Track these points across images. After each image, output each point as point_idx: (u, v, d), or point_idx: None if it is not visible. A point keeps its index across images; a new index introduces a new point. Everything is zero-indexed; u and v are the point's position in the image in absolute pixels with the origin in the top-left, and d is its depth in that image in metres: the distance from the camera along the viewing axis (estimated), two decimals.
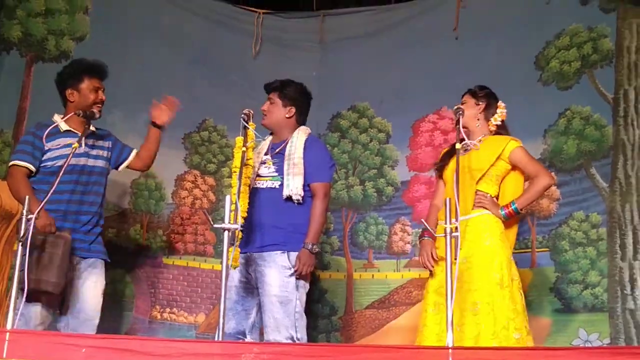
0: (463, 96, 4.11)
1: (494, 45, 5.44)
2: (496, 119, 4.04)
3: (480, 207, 3.85)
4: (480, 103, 4.04)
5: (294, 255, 3.87)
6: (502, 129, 4.07)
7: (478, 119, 4.03)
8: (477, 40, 5.51)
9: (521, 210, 3.89)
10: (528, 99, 5.19)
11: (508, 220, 3.90)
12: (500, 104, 4.07)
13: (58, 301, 3.89)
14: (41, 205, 3.34)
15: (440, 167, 4.10)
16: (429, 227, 3.48)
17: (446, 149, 4.20)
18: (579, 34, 5.20)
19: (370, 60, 5.74)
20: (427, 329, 3.82)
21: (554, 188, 4.74)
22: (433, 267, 3.92)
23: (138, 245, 5.54)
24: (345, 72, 5.77)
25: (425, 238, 4.00)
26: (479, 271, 3.73)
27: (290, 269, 3.85)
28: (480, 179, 3.89)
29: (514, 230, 4.03)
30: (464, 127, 3.92)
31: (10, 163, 3.97)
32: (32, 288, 3.49)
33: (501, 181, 3.97)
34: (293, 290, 3.84)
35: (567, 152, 5.08)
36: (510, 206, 3.84)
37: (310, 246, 3.87)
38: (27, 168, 3.92)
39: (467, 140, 3.92)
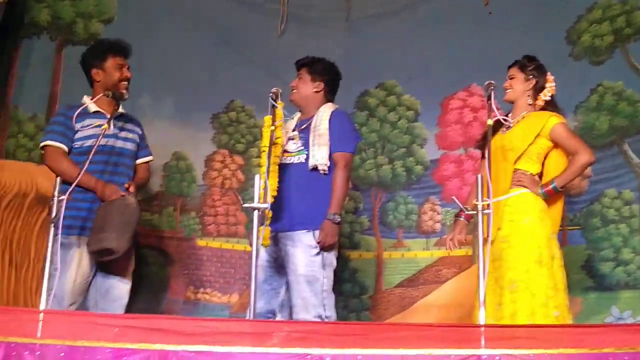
0: (509, 68, 3.98)
1: (525, 20, 5.36)
2: (546, 94, 3.93)
3: (520, 185, 3.79)
4: (531, 78, 3.91)
5: (319, 233, 3.88)
6: (549, 105, 3.95)
7: (528, 95, 3.92)
8: (507, 15, 5.42)
9: (561, 188, 3.80)
10: (559, 74, 5.03)
11: (549, 199, 3.82)
12: (549, 77, 3.94)
13: (124, 267, 3.94)
14: (75, 181, 3.44)
15: (482, 146, 4.01)
16: (461, 206, 3.43)
17: (485, 130, 4.09)
18: (611, 7, 5.12)
19: (398, 36, 5.66)
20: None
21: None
22: (451, 248, 3.93)
23: (172, 228, 5.58)
24: (372, 49, 5.69)
25: (460, 218, 3.99)
26: (517, 250, 3.69)
27: (316, 247, 3.86)
28: (519, 157, 3.81)
29: (558, 208, 3.91)
30: (510, 102, 3.86)
31: (43, 144, 3.97)
32: (93, 249, 3.69)
33: (544, 159, 3.87)
34: (320, 269, 3.85)
35: (598, 129, 5.01)
36: (550, 185, 3.77)
37: (332, 216, 3.87)
38: (61, 148, 3.94)
39: (508, 119, 3.86)
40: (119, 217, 3.77)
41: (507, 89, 3.94)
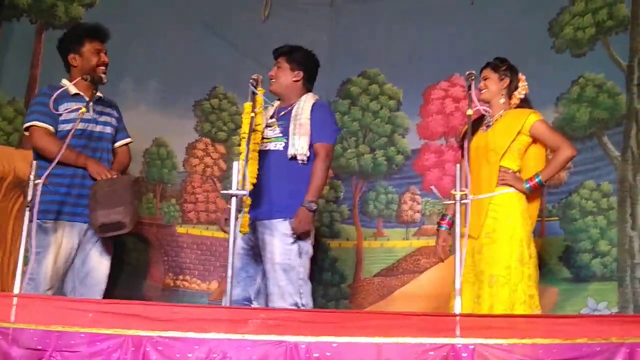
0: (483, 70, 4.03)
1: (508, 12, 5.36)
2: (520, 92, 4.01)
3: (504, 184, 3.85)
4: (504, 78, 3.99)
5: None
6: (524, 102, 4.03)
7: (502, 95, 4.00)
8: (490, 6, 5.42)
9: (545, 182, 3.90)
10: (541, 66, 5.11)
11: (532, 194, 3.91)
12: (522, 76, 4.04)
13: (103, 252, 3.95)
14: (52, 164, 3.40)
15: (462, 146, 4.02)
16: (438, 195, 3.43)
17: (465, 127, 4.15)
18: (594, 0, 5.12)
19: (382, 25, 5.65)
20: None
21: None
22: (443, 259, 4.00)
23: (151, 215, 5.56)
24: (355, 37, 5.67)
25: (442, 228, 4.05)
26: (499, 246, 3.77)
27: (292, 236, 3.86)
28: (502, 155, 3.87)
29: (536, 204, 4.02)
30: (485, 102, 3.92)
31: (29, 124, 3.92)
32: (103, 223, 3.69)
33: (523, 155, 3.94)
34: (296, 258, 3.85)
35: (579, 120, 5.03)
36: (535, 179, 3.84)
37: (308, 204, 3.86)
38: (48, 129, 3.90)
39: (488, 109, 3.92)
40: (127, 193, 3.81)
41: (482, 90, 3.98)
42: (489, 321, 2.88)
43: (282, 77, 4.12)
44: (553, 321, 2.88)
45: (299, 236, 3.87)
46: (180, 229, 5.57)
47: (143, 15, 5.68)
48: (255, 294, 3.98)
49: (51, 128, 3.91)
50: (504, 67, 4.01)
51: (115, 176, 3.91)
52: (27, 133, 4.00)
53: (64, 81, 4.04)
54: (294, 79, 4.11)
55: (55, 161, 3.43)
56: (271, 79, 4.14)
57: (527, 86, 4.03)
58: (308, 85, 4.17)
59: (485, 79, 3.99)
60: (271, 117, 4.10)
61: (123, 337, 2.75)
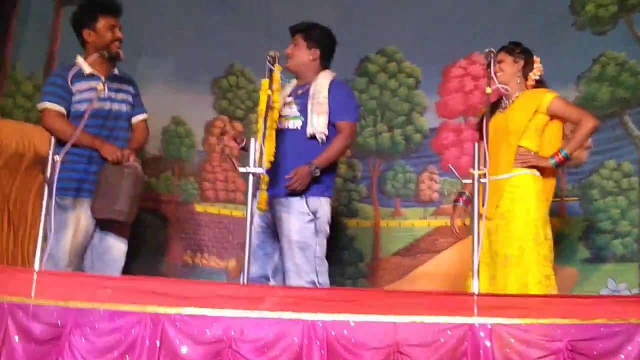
0: (498, 54, 3.96)
1: None
2: (535, 74, 4.02)
3: (526, 165, 3.85)
4: (519, 60, 4.00)
5: (312, 199, 3.86)
6: (539, 84, 4.04)
7: (518, 77, 4.00)
8: None
9: (571, 155, 3.90)
10: (562, 44, 5.06)
11: (557, 169, 3.94)
12: (536, 58, 4.04)
13: (121, 230, 3.96)
14: (69, 142, 3.40)
15: (480, 128, 4.01)
16: (457, 175, 3.41)
17: (483, 111, 4.14)
18: None
19: (400, 1, 5.57)
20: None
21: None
22: (457, 235, 4.03)
23: (169, 192, 5.58)
24: (372, 14, 5.58)
25: (458, 204, 4.07)
26: (514, 226, 3.77)
27: (308, 214, 3.84)
28: (521, 135, 3.87)
29: (552, 185, 4.00)
30: (502, 86, 3.92)
31: (42, 106, 3.93)
32: (104, 217, 3.77)
33: (541, 134, 3.94)
34: (312, 236, 3.84)
35: (600, 99, 4.99)
36: (560, 153, 3.85)
37: (312, 166, 3.84)
38: (59, 111, 3.90)
39: (507, 87, 3.94)
40: (130, 187, 3.81)
41: (498, 73, 3.94)
42: (507, 301, 2.87)
43: (298, 55, 4.08)
44: (571, 301, 2.87)
45: (291, 191, 3.83)
46: (199, 207, 5.59)
47: None
48: (272, 271, 3.98)
49: (63, 109, 3.90)
50: (518, 49, 4.02)
51: (127, 158, 3.89)
52: (41, 113, 3.99)
53: (79, 59, 3.99)
54: (311, 57, 4.07)
55: (70, 143, 3.42)
56: (288, 57, 4.09)
57: (541, 68, 4.03)
58: (325, 63, 4.12)
59: (500, 62, 3.97)
60: (289, 96, 4.06)
61: (141, 314, 2.77)
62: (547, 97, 3.87)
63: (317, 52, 4.08)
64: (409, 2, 5.57)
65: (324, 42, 4.10)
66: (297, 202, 3.85)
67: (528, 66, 4.01)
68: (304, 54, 4.07)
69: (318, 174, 3.86)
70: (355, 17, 5.58)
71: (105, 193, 3.77)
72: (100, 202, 3.76)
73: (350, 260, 5.46)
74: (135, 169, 3.87)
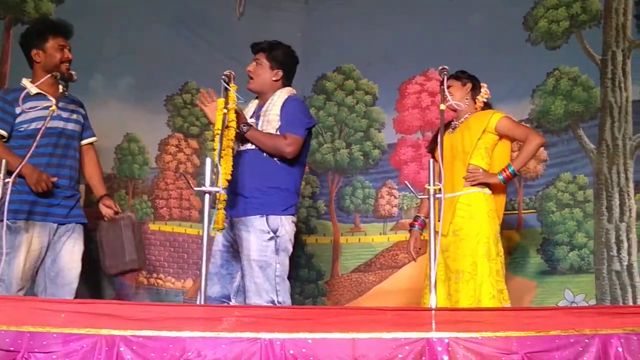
0: (447, 80, 4.05)
1: (484, 6, 5.36)
2: (483, 97, 4.16)
3: (474, 182, 3.94)
4: (467, 83, 4.14)
5: (272, 218, 3.82)
6: (487, 107, 4.19)
7: (466, 99, 4.12)
8: (466, 1, 5.42)
9: (518, 171, 4.00)
10: (516, 58, 5.16)
11: (506, 185, 4.02)
12: (483, 84, 4.18)
13: (74, 251, 3.96)
14: (23, 162, 3.35)
15: (432, 149, 4.18)
16: (413, 191, 3.42)
17: (436, 131, 4.22)
18: None
19: (356, 20, 5.63)
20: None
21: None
22: (415, 259, 4.12)
23: (123, 212, 5.49)
24: (330, 33, 5.67)
25: (414, 228, 4.15)
26: (465, 243, 3.86)
27: (269, 232, 3.81)
28: (471, 154, 3.97)
29: (502, 202, 4.09)
30: (452, 110, 4.06)
31: None
32: (119, 272, 3.99)
33: (491, 153, 4.04)
34: (272, 255, 3.80)
35: (554, 113, 5.07)
36: (507, 169, 3.94)
37: (245, 127, 3.82)
38: None
39: (460, 104, 4.04)
40: (131, 236, 3.96)
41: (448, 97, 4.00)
42: (464, 315, 2.87)
43: (261, 74, 4.03)
44: (526, 314, 2.88)
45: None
46: (153, 226, 5.53)
47: (114, 10, 5.63)
48: (234, 291, 3.93)
49: (2, 132, 3.84)
50: (464, 75, 4.16)
51: (117, 208, 4.05)
52: None
53: (24, 81, 3.95)
54: (274, 78, 4.03)
55: (19, 168, 3.36)
56: (249, 75, 4.04)
57: (489, 92, 4.18)
58: (287, 82, 4.08)
59: (449, 87, 4.02)
60: (251, 117, 4.02)
61: (96, 337, 2.70)
62: (494, 117, 4.00)
63: (280, 72, 4.03)
64: (366, 21, 5.63)
65: (287, 62, 4.07)
66: (257, 221, 3.81)
67: (475, 90, 4.15)
68: (266, 74, 4.02)
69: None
70: (312, 35, 5.63)
71: (111, 250, 3.91)
72: (110, 260, 3.92)
73: (309, 278, 5.45)
74: (129, 218, 4.00)
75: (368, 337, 2.70)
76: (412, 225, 4.19)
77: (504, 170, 3.94)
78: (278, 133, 3.89)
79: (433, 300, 2.92)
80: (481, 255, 3.80)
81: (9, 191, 3.20)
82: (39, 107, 3.82)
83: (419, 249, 4.10)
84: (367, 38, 5.59)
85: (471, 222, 3.88)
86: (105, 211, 4.04)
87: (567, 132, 5.03)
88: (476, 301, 3.72)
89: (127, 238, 3.89)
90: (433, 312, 2.77)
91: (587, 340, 2.68)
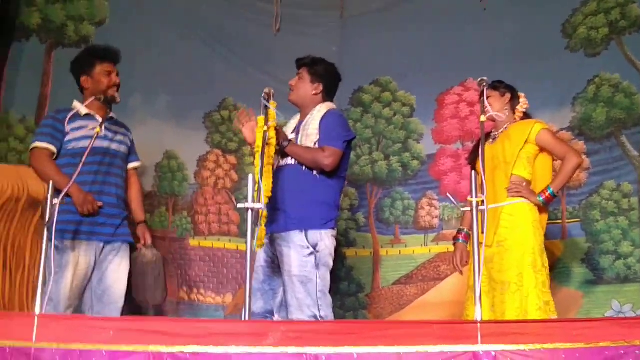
0: (487, 85, 4.04)
1: (520, 14, 5.34)
2: (522, 106, 4.13)
3: (517, 194, 3.90)
4: (505, 94, 4.11)
5: (311, 233, 3.82)
6: (526, 117, 4.15)
7: (506, 110, 4.10)
8: (502, 9, 5.40)
9: (557, 193, 3.97)
10: (556, 66, 5.13)
11: (545, 206, 3.98)
12: (521, 94, 4.15)
13: (120, 271, 4.08)
14: (71, 181, 3.50)
15: (472, 161, 4.17)
16: (454, 202, 3.40)
17: (475, 143, 4.20)
18: (606, 0, 5.10)
19: (392, 33, 5.63)
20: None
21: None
22: (462, 273, 4.08)
23: (164, 228, 5.56)
24: (366, 47, 5.66)
25: (459, 241, 4.12)
26: (511, 254, 3.81)
27: (308, 247, 3.81)
28: (514, 164, 3.95)
29: (544, 217, 4.04)
30: (492, 120, 4.04)
31: (32, 146, 4.01)
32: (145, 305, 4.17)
33: (533, 163, 4.01)
34: (313, 269, 3.80)
35: (596, 120, 5.01)
36: (547, 191, 3.91)
37: (285, 142, 3.86)
38: (48, 150, 3.95)
39: (500, 115, 4.04)
40: (154, 275, 4.15)
41: (487, 108, 3.98)
42: (510, 327, 2.84)
43: (301, 88, 4.07)
44: (574, 325, 2.84)
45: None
46: (193, 242, 5.57)
47: (152, 30, 5.73)
48: (277, 307, 3.93)
49: (52, 148, 3.96)
50: (502, 86, 4.13)
51: (149, 241, 4.20)
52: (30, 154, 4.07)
53: (75, 103, 4.10)
54: (314, 92, 4.06)
55: (67, 188, 3.56)
56: (291, 89, 4.10)
57: (527, 102, 4.15)
58: (328, 98, 4.11)
59: (487, 98, 4.00)
60: (292, 132, 4.07)
61: (145, 354, 2.73)
62: (535, 128, 3.96)
63: (320, 86, 4.07)
64: (401, 33, 5.62)
65: (327, 77, 4.10)
66: (297, 236, 3.82)
67: (514, 100, 4.12)
68: (307, 87, 4.06)
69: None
70: (348, 49, 5.64)
71: (137, 285, 4.13)
72: (136, 294, 4.14)
73: (349, 291, 5.42)
74: (151, 257, 4.18)
75: (414, 351, 2.69)
76: (455, 239, 4.17)
77: (543, 192, 3.91)
78: (317, 146, 3.91)
79: (478, 312, 2.90)
80: (527, 266, 3.76)
81: (56, 212, 3.25)
82: (87, 127, 3.96)
83: (466, 262, 4.05)
84: (402, 50, 5.59)
85: (516, 233, 3.84)
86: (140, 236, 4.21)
87: (609, 139, 4.96)
88: (523, 313, 3.67)
89: (145, 279, 4.13)
90: (479, 324, 2.75)
91: (637, 352, 2.64)
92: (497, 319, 3.66)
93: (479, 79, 3.50)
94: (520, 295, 3.72)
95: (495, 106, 4.03)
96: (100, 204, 3.93)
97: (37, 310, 3.08)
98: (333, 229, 3.94)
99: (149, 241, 4.19)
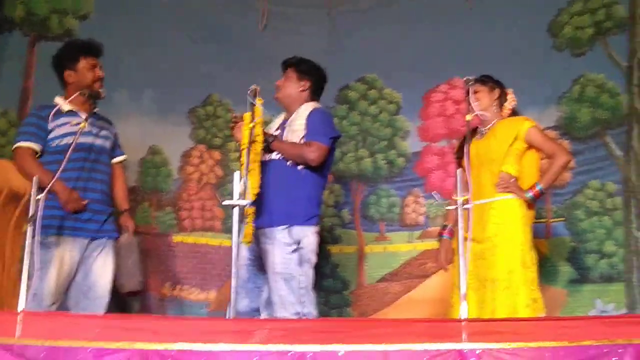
0: (473, 84, 4.03)
1: (506, 13, 5.37)
2: (510, 103, 4.10)
3: (506, 191, 3.89)
4: (494, 90, 4.08)
5: (296, 229, 3.83)
6: (514, 114, 4.13)
7: (494, 106, 4.07)
8: (489, 7, 5.43)
9: (546, 190, 3.96)
10: (541, 65, 5.15)
11: (534, 202, 3.97)
12: (509, 90, 4.12)
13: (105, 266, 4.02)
14: (53, 179, 3.45)
15: (459, 157, 4.10)
16: (437, 198, 3.42)
17: (462, 139, 4.17)
18: (592, 0, 5.14)
19: (379, 30, 5.64)
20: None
21: None
22: (447, 269, 4.05)
23: (147, 224, 5.53)
24: (353, 44, 5.68)
25: (444, 237, 4.11)
26: (500, 250, 3.80)
27: (292, 244, 3.81)
28: (502, 160, 3.93)
29: (531, 212, 4.03)
30: (481, 112, 4.00)
31: (15, 146, 3.95)
32: (124, 292, 4.00)
33: (520, 161, 4.00)
34: (296, 267, 3.80)
35: (581, 120, 5.05)
36: (536, 187, 3.90)
37: (271, 138, 3.86)
38: (31, 149, 3.91)
39: (485, 114, 4.01)
40: (131, 259, 4.04)
41: (475, 103, 3.98)
42: (495, 325, 2.86)
43: (288, 86, 4.09)
44: (558, 324, 2.87)
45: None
46: (176, 238, 5.55)
47: (137, 25, 5.69)
48: (263, 304, 3.93)
49: (36, 147, 3.91)
50: (490, 81, 4.10)
51: (132, 228, 4.14)
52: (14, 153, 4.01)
53: (57, 99, 4.02)
54: (300, 89, 4.08)
55: (51, 184, 3.47)
56: (277, 88, 4.11)
57: (515, 98, 4.12)
58: (314, 96, 4.12)
59: (476, 93, 4.01)
60: (277, 129, 4.07)
61: (130, 351, 2.71)
62: (525, 125, 3.95)
63: (307, 83, 4.09)
64: (388, 30, 5.63)
65: (314, 75, 4.12)
66: (280, 233, 3.82)
67: (502, 96, 4.09)
68: (293, 86, 4.08)
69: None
70: (335, 46, 5.66)
71: (124, 269, 4.01)
72: (119, 279, 4.01)
73: (334, 288, 5.42)
74: (129, 241, 4.10)
75: (399, 349, 2.69)
76: (440, 234, 4.16)
77: (532, 188, 3.90)
78: (301, 140, 3.92)
79: (464, 310, 2.91)
80: (517, 263, 3.75)
81: (40, 207, 3.23)
82: (70, 124, 3.91)
83: (451, 259, 4.04)
84: (389, 47, 5.60)
85: (506, 229, 3.82)
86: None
87: (594, 139, 5.01)
88: (512, 310, 3.67)
89: (121, 264, 4.02)
90: (463, 323, 2.77)
91: (620, 350, 2.65)
92: (487, 316, 3.66)
93: (465, 78, 3.51)
94: (510, 292, 3.71)
95: (484, 101, 4.02)
96: (85, 201, 3.90)
97: (21, 306, 3.05)
98: (316, 225, 3.95)
99: (132, 229, 4.14)
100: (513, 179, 3.93)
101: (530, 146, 3.99)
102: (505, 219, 3.85)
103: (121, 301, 4.87)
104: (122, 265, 4.01)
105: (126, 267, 4.02)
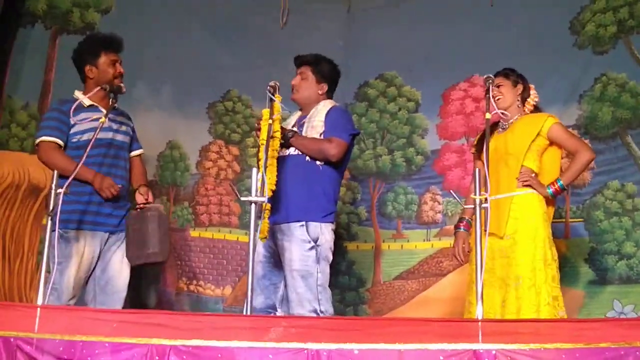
0: (495, 78, 3.99)
1: (528, 10, 5.31)
2: (533, 99, 4.06)
3: (527, 186, 3.86)
4: (518, 84, 4.03)
5: (312, 226, 3.83)
6: (536, 110, 4.09)
7: (518, 100, 4.03)
8: (509, 5, 5.38)
9: (567, 186, 3.93)
10: (563, 63, 5.11)
11: (554, 198, 3.94)
12: (532, 86, 4.08)
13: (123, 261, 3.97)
14: (73, 173, 3.41)
15: (478, 150, 4.07)
16: (457, 198, 3.40)
17: (481, 134, 4.14)
18: None
19: (398, 28, 5.61)
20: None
21: None
22: (463, 261, 4.02)
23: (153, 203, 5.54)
24: (372, 41, 5.65)
25: (460, 230, 4.06)
26: (523, 247, 3.76)
27: (309, 242, 3.81)
28: (524, 156, 3.89)
29: (551, 210, 4.00)
30: (503, 110, 3.96)
31: (38, 140, 3.95)
32: (140, 263, 3.86)
33: (541, 157, 3.97)
34: (313, 264, 3.80)
35: (602, 119, 5.00)
36: (557, 183, 3.87)
37: (290, 133, 3.87)
38: (55, 143, 3.91)
39: (506, 113, 3.96)
40: (156, 228, 3.87)
41: (498, 97, 3.95)
42: (511, 326, 2.84)
43: (307, 88, 4.07)
44: (575, 325, 2.84)
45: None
46: (193, 233, 5.57)
47: (157, 20, 5.70)
48: (279, 301, 3.93)
49: (59, 141, 3.91)
50: (514, 75, 4.05)
51: (150, 198, 4.02)
52: (37, 148, 4.01)
53: (77, 93, 4.03)
54: (320, 92, 4.07)
55: (72, 177, 3.42)
56: (294, 88, 4.08)
57: (537, 94, 4.09)
58: (329, 95, 4.13)
59: (499, 86, 3.98)
60: (293, 126, 4.06)
61: (147, 346, 2.75)
62: (548, 122, 3.91)
63: (326, 86, 4.09)
64: (408, 28, 5.60)
65: (332, 77, 4.12)
66: (298, 230, 3.82)
67: (525, 91, 4.04)
68: (312, 88, 4.07)
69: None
70: (354, 43, 5.63)
71: (135, 240, 3.86)
72: (132, 251, 3.86)
73: (350, 285, 5.41)
74: (156, 210, 3.95)
75: (414, 348, 2.70)
76: (457, 227, 4.10)
77: (552, 184, 3.86)
78: (321, 136, 3.92)
79: (480, 311, 2.90)
80: (538, 260, 3.71)
81: (60, 201, 3.24)
82: (90, 119, 3.91)
83: (468, 251, 3.99)
84: (409, 45, 5.57)
85: (526, 225, 3.78)
86: (138, 199, 4.03)
87: (614, 139, 4.95)
88: (536, 308, 3.64)
89: (152, 230, 3.85)
90: (480, 323, 2.75)
91: (638, 353, 2.64)
92: (512, 315, 3.63)
93: (486, 76, 3.49)
94: (535, 290, 3.67)
95: (507, 96, 3.99)
96: (119, 186, 3.88)
97: (39, 301, 3.08)
98: (332, 222, 3.95)
99: (151, 199, 4.07)
100: (533, 174, 3.89)
101: (552, 143, 3.95)
102: (525, 214, 3.81)
103: (139, 296, 4.91)
104: (151, 234, 3.87)
105: (158, 235, 3.88)
